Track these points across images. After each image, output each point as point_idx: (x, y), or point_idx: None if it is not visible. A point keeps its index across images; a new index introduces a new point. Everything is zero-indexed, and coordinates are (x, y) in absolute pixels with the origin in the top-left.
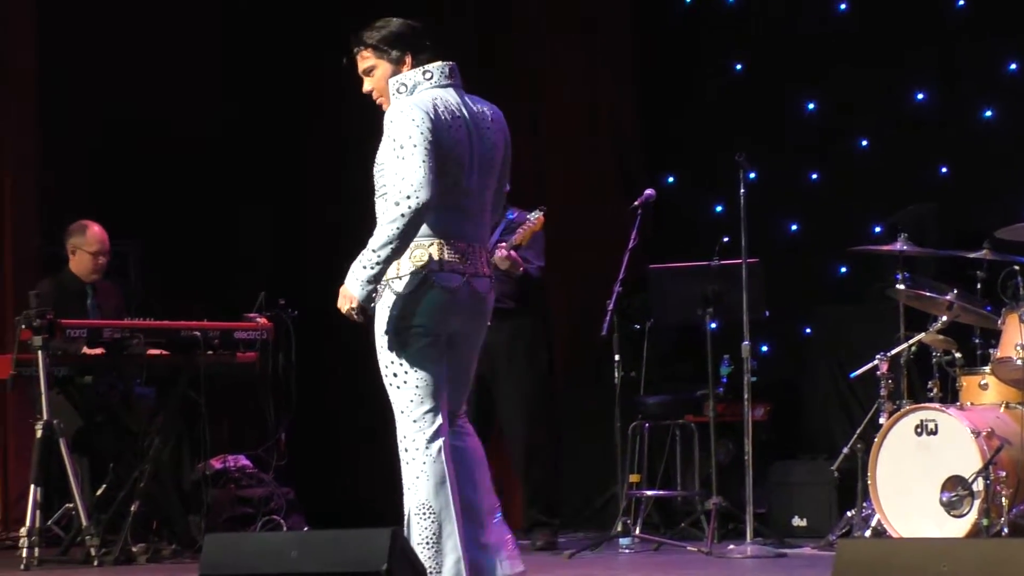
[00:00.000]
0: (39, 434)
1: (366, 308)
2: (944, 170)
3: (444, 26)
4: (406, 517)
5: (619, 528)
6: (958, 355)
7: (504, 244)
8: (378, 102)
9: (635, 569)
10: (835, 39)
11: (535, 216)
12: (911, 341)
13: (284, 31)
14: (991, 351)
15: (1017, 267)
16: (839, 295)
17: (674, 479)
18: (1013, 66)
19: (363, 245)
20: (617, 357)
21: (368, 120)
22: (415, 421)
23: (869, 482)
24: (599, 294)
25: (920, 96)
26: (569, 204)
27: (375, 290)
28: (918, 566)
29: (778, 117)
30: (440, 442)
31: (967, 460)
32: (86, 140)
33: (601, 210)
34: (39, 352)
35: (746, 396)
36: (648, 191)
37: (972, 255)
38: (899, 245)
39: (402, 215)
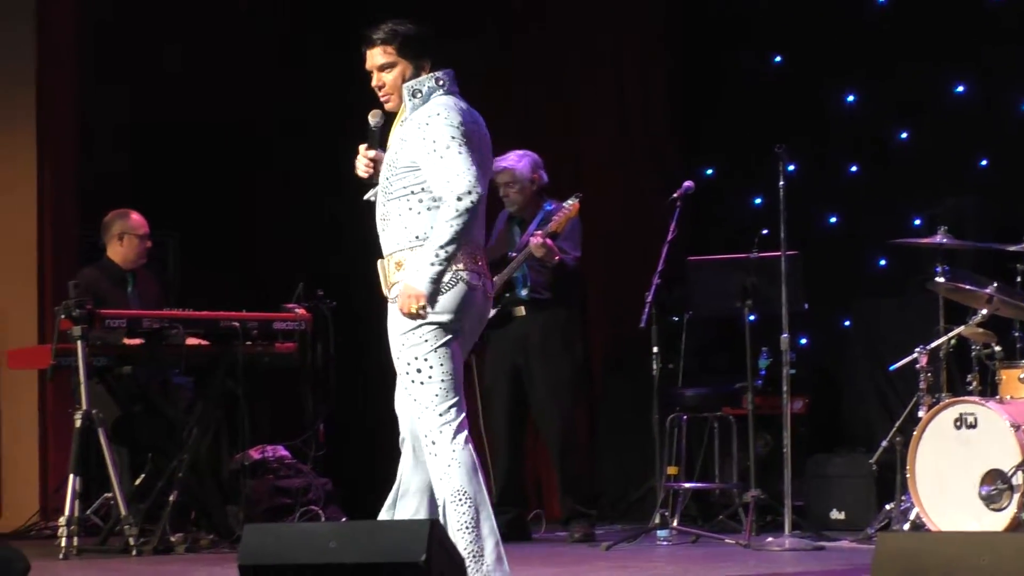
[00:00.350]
0: (78, 424)
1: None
2: (984, 163)
3: (474, 20)
4: (441, 506)
5: (657, 520)
6: (998, 348)
7: (540, 232)
8: (383, 99)
9: (673, 561)
10: (875, 31)
11: (570, 203)
12: (950, 334)
13: (325, 23)
14: None
15: None
16: (878, 288)
17: (712, 471)
18: None
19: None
20: (655, 349)
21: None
22: (440, 415)
23: (908, 475)
24: (637, 286)
25: (960, 88)
26: (607, 196)
27: (439, 289)
28: (957, 559)
29: (818, 109)
30: (465, 433)
31: (1006, 454)
32: (125, 131)
33: (640, 202)
34: (78, 342)
35: (785, 389)
36: (687, 183)
37: (1012, 248)
38: (939, 238)
39: (466, 210)
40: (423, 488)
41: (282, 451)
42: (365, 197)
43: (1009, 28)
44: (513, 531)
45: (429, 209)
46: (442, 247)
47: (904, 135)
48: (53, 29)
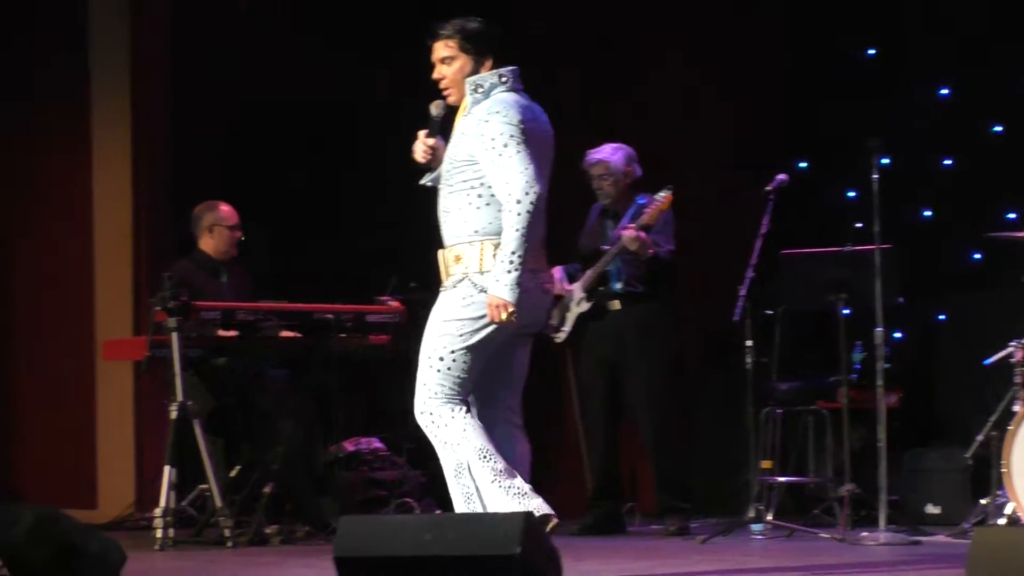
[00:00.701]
0: (173, 416)
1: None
2: None
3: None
4: (463, 468)
5: (751, 514)
6: None
7: (632, 225)
8: (445, 92)
9: (768, 555)
10: (969, 24)
11: (663, 195)
12: None
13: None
14: None
15: None
16: (973, 281)
17: (806, 465)
18: None
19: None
20: (749, 343)
21: None
22: (445, 403)
23: (1003, 470)
24: (731, 280)
25: None
26: (700, 189)
27: (521, 290)
28: None
29: (911, 102)
30: (469, 411)
31: None
32: (218, 122)
33: (733, 195)
34: (173, 334)
35: (879, 383)
36: (781, 176)
37: None
38: None
39: (528, 211)
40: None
41: (376, 443)
42: (421, 182)
43: None
44: (608, 524)
45: (488, 204)
46: (514, 252)
47: (998, 128)
48: (146, 21)
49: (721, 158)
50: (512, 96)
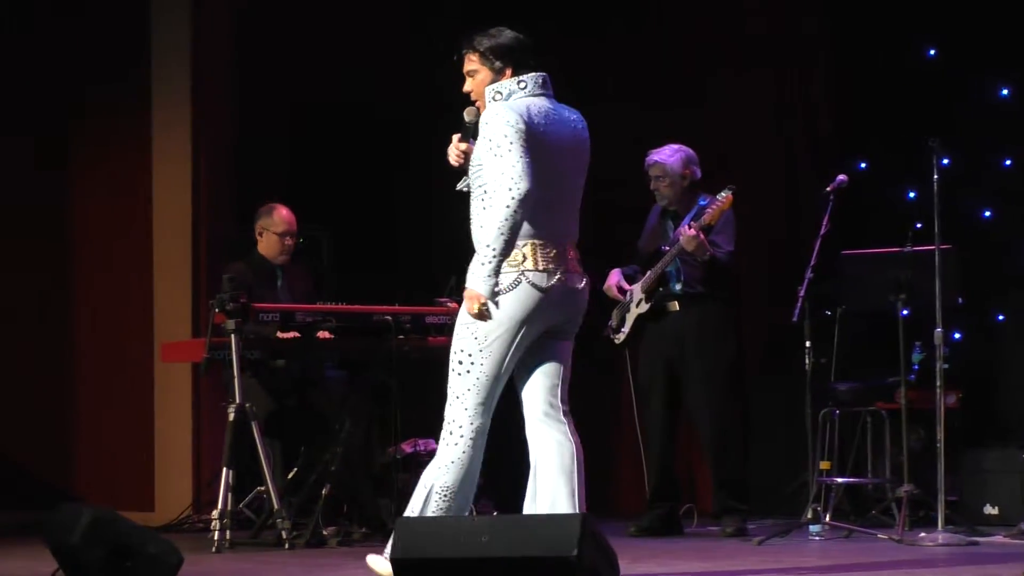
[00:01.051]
0: (231, 417)
1: (491, 302)
2: None
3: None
4: (426, 490)
5: (809, 515)
6: None
7: (691, 225)
8: (475, 103)
9: (825, 556)
10: None
11: (723, 195)
12: None
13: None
14: None
15: None
16: None
17: (864, 466)
18: None
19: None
20: (808, 343)
21: None
22: (467, 409)
23: None
24: (791, 280)
25: None
26: (761, 190)
27: (498, 283)
28: None
29: (971, 102)
30: (483, 436)
31: None
32: (282, 124)
33: (793, 196)
34: (232, 336)
35: (938, 383)
36: (840, 177)
37: None
38: None
39: (507, 206)
40: (558, 467)
41: (433, 444)
42: (457, 187)
43: None
44: (666, 525)
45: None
46: (488, 245)
47: None
48: (207, 21)
49: (781, 158)
50: (521, 102)
